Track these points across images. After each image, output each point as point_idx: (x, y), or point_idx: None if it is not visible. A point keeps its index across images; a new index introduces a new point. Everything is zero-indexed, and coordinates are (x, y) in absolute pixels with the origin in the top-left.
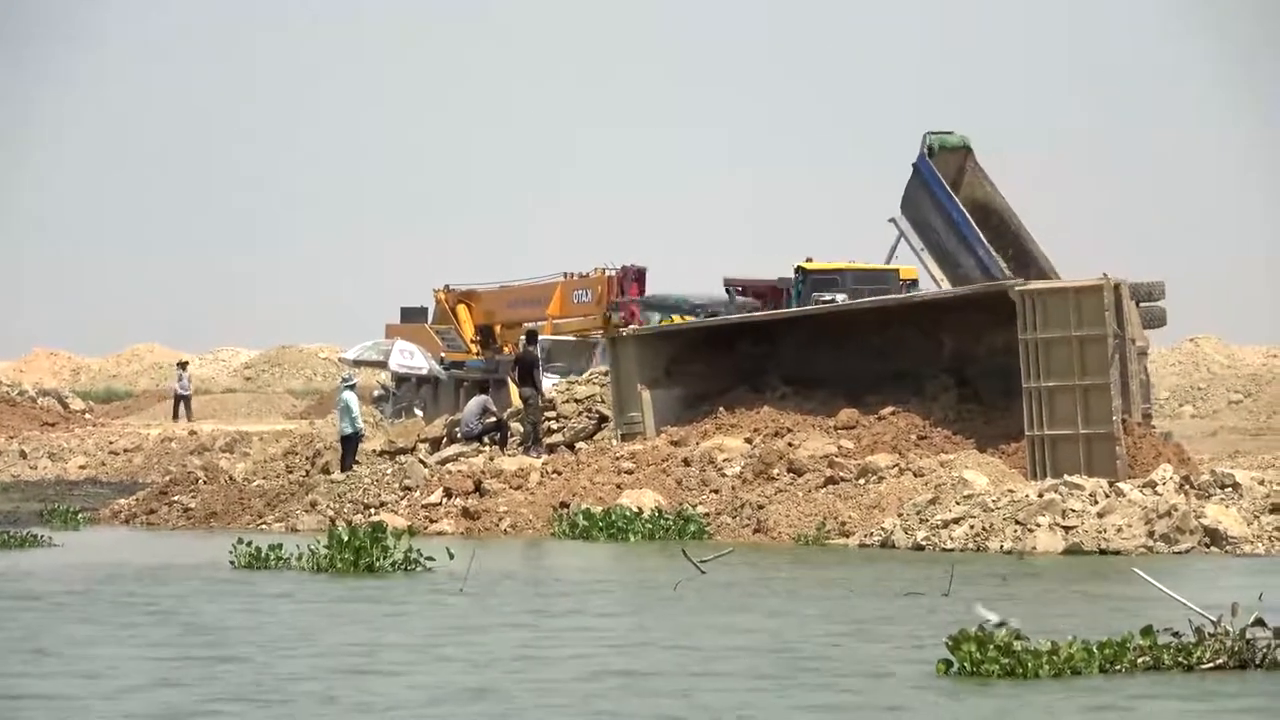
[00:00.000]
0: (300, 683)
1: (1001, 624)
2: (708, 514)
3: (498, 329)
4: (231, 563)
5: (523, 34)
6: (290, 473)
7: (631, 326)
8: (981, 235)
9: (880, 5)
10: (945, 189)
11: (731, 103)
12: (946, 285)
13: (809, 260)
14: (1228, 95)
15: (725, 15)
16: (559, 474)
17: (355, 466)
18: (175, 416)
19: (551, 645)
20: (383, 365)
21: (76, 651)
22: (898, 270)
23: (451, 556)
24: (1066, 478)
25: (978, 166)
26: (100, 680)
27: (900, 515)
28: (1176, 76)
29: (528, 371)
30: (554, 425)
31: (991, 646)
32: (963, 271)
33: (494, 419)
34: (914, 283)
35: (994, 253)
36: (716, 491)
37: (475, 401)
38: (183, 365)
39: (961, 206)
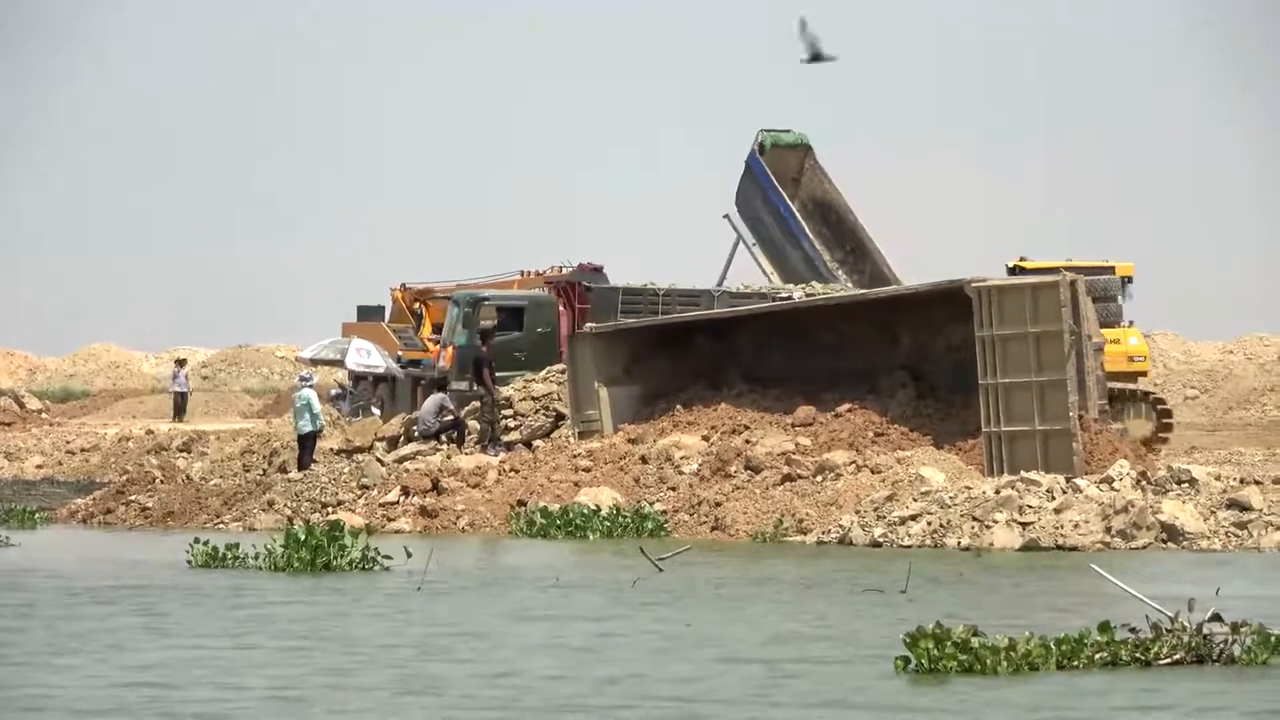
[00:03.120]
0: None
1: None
2: (665, 512)
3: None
4: (189, 562)
5: (493, 30)
6: (248, 472)
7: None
8: (807, 229)
9: (880, 7)
10: (774, 184)
11: (724, 102)
12: (776, 278)
13: (1023, 259)
14: (1191, 93)
15: (719, 12)
16: (516, 472)
17: (313, 465)
18: (177, 416)
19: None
20: (339, 364)
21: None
22: (1113, 267)
23: (409, 555)
24: (1023, 474)
25: (817, 165)
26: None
27: (858, 512)
28: (1144, 72)
29: (480, 370)
30: (511, 423)
31: (949, 643)
32: (790, 264)
33: (451, 417)
34: (1129, 279)
35: (818, 246)
36: (674, 489)
37: (432, 400)
38: (180, 363)
39: (789, 201)
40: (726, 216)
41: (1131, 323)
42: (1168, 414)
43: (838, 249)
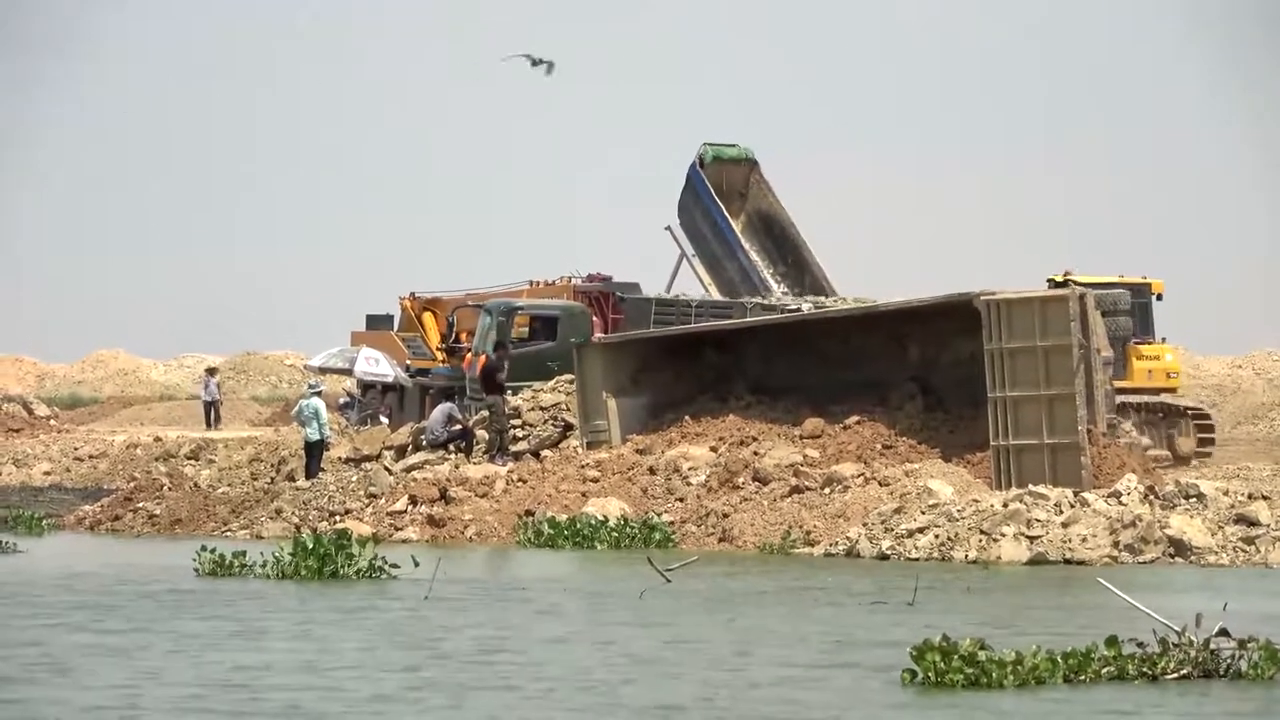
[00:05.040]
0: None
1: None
2: (673, 522)
3: (464, 336)
4: (196, 570)
5: (492, 30)
6: (255, 480)
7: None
8: (743, 241)
9: (880, 10)
10: (712, 197)
11: (724, 103)
12: (714, 290)
13: (1067, 273)
14: (1191, 93)
15: (718, 12)
16: (524, 482)
17: (320, 474)
18: (208, 424)
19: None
20: (348, 373)
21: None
22: (1150, 283)
23: (416, 564)
24: (1031, 487)
25: (763, 179)
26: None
27: (865, 524)
28: (1144, 72)
29: (491, 379)
30: (520, 433)
31: (956, 657)
32: (727, 276)
33: (460, 426)
34: (1159, 296)
35: (754, 258)
36: (682, 500)
37: (441, 409)
38: (211, 371)
39: (726, 214)
40: (668, 228)
41: (1165, 338)
42: (1209, 428)
43: (780, 262)
